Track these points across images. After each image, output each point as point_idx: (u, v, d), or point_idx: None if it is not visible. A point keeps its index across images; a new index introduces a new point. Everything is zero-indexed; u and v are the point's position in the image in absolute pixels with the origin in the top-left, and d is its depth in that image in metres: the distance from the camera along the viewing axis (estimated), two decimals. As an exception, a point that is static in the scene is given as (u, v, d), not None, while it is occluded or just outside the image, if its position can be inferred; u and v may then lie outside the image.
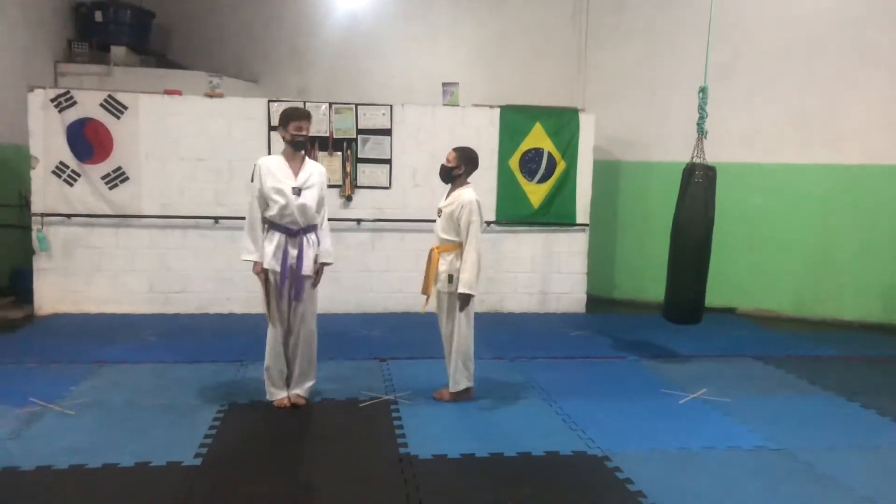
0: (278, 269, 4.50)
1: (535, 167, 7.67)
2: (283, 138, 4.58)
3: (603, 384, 5.36)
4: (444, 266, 4.74)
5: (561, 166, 7.70)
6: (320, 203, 4.64)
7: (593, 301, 8.10)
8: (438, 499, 3.48)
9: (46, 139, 6.98)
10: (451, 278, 4.69)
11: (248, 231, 4.58)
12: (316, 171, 4.63)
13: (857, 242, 7.45)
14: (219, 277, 7.38)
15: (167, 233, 7.28)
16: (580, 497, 3.56)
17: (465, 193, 4.75)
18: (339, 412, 4.66)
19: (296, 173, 4.55)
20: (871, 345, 6.77)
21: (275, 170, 4.52)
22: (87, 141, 7.03)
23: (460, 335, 4.74)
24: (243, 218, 6.98)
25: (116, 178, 7.12)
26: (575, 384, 5.29)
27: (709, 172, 5.77)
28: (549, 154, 7.67)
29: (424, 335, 6.63)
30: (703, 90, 5.86)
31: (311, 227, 4.62)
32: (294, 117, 4.55)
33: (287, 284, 4.54)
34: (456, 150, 4.87)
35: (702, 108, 5.85)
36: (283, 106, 7.25)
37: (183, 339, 6.29)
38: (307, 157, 4.70)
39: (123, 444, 4.00)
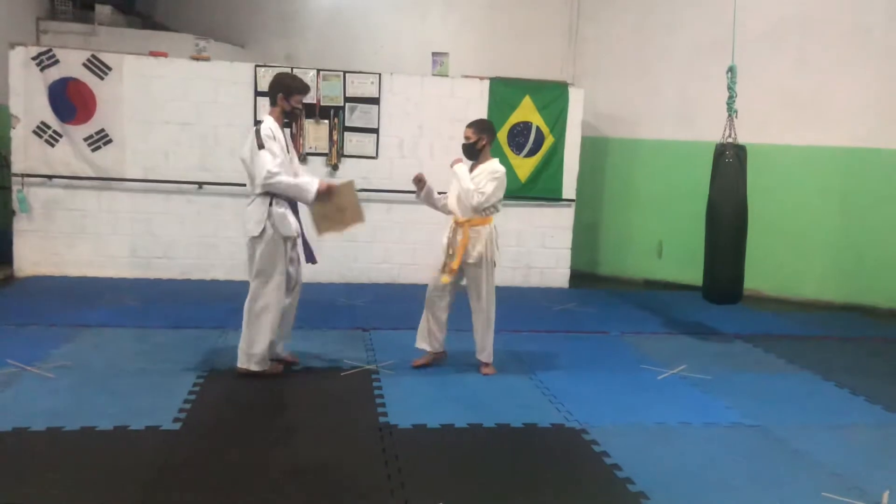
0: (295, 234, 4.50)
1: (523, 141, 7.65)
2: (283, 108, 4.46)
3: (583, 358, 5.40)
4: (475, 237, 4.74)
5: (549, 141, 7.67)
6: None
7: (577, 276, 8.13)
8: (416, 467, 3.50)
9: (27, 98, 6.87)
10: (487, 247, 4.77)
11: (292, 182, 4.37)
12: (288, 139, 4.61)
13: (839, 225, 7.50)
14: (202, 243, 7.34)
15: (151, 197, 7.21)
16: (557, 469, 3.60)
17: (493, 164, 4.76)
18: (321, 380, 4.68)
19: (287, 143, 4.54)
20: (849, 325, 6.86)
21: (281, 140, 4.45)
22: (70, 101, 6.92)
23: (492, 306, 4.90)
24: (228, 184, 7.13)
25: (99, 140, 7.03)
26: (556, 358, 5.33)
27: (739, 152, 5.78)
28: (538, 128, 7.64)
29: (408, 306, 6.62)
30: (731, 69, 5.85)
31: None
32: (300, 90, 4.48)
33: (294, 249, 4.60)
34: (470, 125, 4.82)
35: (731, 88, 5.83)
36: (272, 71, 7.16)
37: (165, 305, 6.26)
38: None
39: (102, 408, 3.99)
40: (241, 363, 4.57)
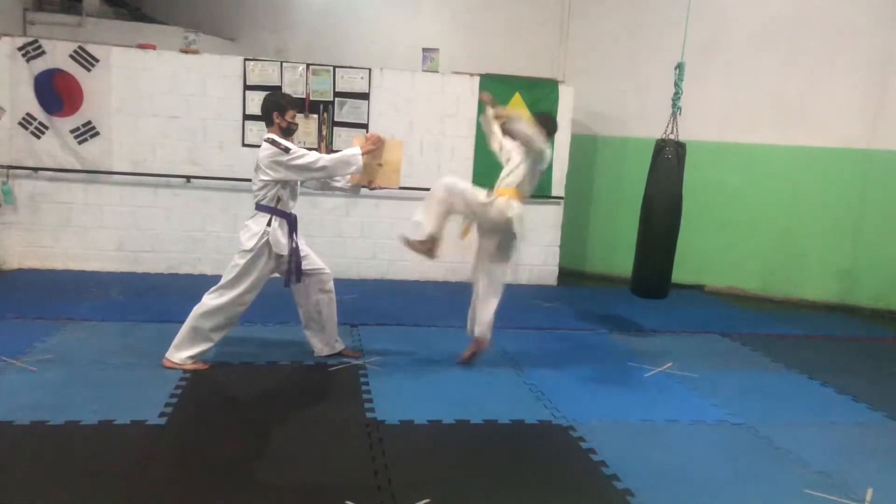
0: (285, 252, 4.51)
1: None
2: (280, 126, 4.49)
3: (571, 355, 5.41)
4: (505, 204, 4.74)
5: (539, 138, 7.66)
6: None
7: (565, 273, 8.14)
8: (403, 463, 3.50)
9: (13, 89, 6.80)
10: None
11: (335, 156, 4.46)
12: None
13: (825, 225, 7.54)
14: (190, 238, 7.29)
15: (138, 190, 7.16)
16: (543, 465, 3.60)
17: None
18: (308, 376, 4.67)
19: None
20: (834, 325, 6.91)
21: None
22: (56, 93, 6.85)
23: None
24: (216, 178, 7.11)
25: (86, 132, 6.97)
26: (544, 355, 5.34)
27: (679, 149, 5.79)
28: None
29: (396, 302, 6.66)
30: (679, 66, 5.86)
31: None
32: (293, 104, 4.56)
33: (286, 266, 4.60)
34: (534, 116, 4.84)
35: (677, 85, 5.85)
36: (262, 65, 7.15)
37: (151, 299, 6.23)
38: None
39: (87, 402, 3.96)
40: (174, 357, 4.54)
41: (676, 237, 5.92)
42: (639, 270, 6.04)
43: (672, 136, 5.83)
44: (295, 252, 4.58)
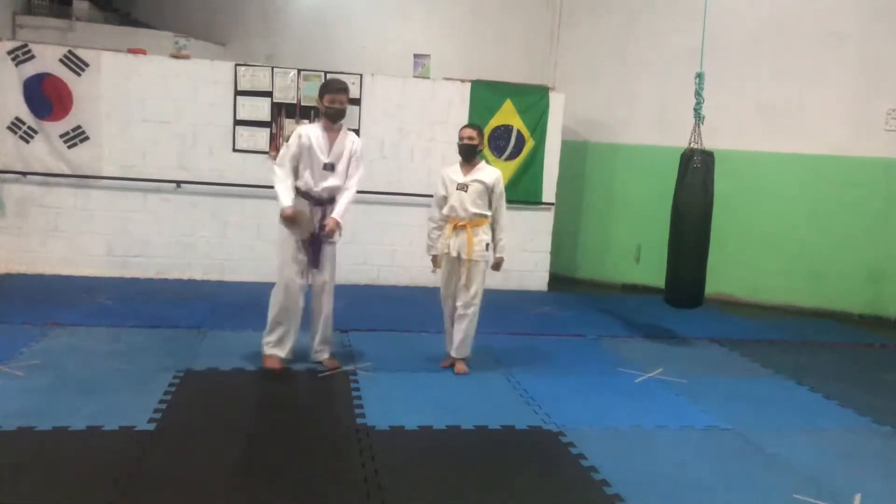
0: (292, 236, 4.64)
1: (503, 144, 7.67)
2: (320, 110, 4.67)
3: (561, 361, 5.42)
4: (477, 237, 4.86)
5: (529, 144, 7.70)
6: (348, 174, 4.77)
7: (556, 280, 8.16)
8: (394, 469, 3.49)
9: (2, 94, 6.77)
10: (487, 246, 4.89)
11: (281, 184, 4.58)
12: (348, 145, 4.73)
13: (811, 231, 7.59)
14: (179, 243, 7.26)
15: (127, 195, 7.13)
16: (534, 470, 3.60)
17: (490, 167, 4.96)
18: (298, 382, 4.65)
19: (330, 147, 4.66)
20: (822, 331, 6.95)
21: (313, 141, 4.61)
22: (46, 97, 6.82)
23: (480, 302, 4.96)
24: (206, 183, 7.09)
25: (76, 136, 6.94)
26: (534, 360, 5.34)
27: (707, 158, 5.84)
28: (518, 132, 7.67)
29: (386, 308, 6.65)
30: (699, 76, 5.90)
31: (334, 199, 4.76)
32: (329, 90, 4.66)
33: (310, 250, 4.72)
34: (471, 126, 5.04)
35: (698, 94, 5.89)
36: (253, 70, 7.16)
37: (141, 304, 6.19)
38: (343, 129, 4.76)
39: (75, 408, 3.93)
40: None
41: (708, 245, 5.95)
42: (672, 281, 6.05)
43: (697, 145, 5.87)
44: (316, 239, 4.70)
